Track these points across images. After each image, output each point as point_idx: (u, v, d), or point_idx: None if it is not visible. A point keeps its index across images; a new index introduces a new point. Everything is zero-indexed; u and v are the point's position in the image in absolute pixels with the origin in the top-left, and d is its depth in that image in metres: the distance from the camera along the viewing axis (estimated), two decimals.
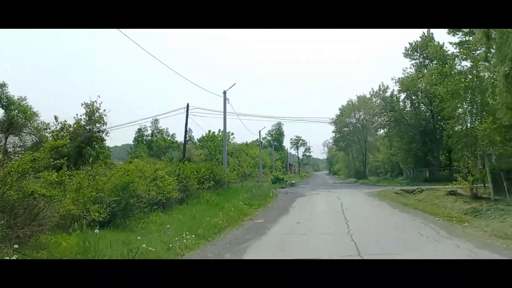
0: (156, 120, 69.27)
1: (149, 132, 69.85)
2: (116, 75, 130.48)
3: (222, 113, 29.34)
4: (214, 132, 51.12)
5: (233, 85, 28.90)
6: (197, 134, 60.52)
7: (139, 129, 69.67)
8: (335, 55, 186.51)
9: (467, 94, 20.68)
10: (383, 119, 48.89)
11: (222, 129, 52.08)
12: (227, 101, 29.00)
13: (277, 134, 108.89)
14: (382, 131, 53.55)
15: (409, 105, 45.76)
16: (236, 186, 31.30)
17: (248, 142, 67.43)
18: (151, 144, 66.88)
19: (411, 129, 44.74)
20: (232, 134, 51.21)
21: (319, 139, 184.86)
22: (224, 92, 28.06)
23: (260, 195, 23.64)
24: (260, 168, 53.28)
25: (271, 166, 71.55)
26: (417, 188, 31.16)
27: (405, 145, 46.28)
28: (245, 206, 17.68)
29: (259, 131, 53.52)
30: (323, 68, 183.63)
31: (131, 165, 13.59)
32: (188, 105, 31.74)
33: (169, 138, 69.50)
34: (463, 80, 21.51)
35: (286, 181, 44.57)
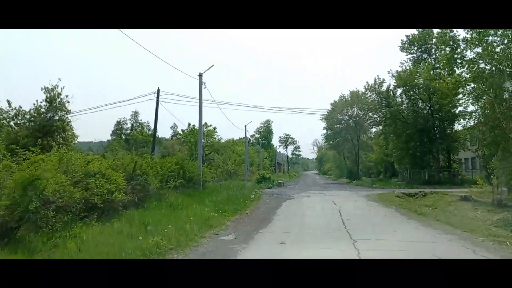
0: (136, 112, 64.93)
1: (129, 125, 65.49)
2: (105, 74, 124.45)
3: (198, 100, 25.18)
4: (194, 126, 46.83)
5: (211, 67, 24.71)
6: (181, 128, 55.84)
7: (118, 122, 65.35)
8: (326, 54, 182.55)
9: (494, 78, 16.78)
10: (378, 115, 45.09)
11: (203, 122, 47.92)
12: (203, 86, 24.88)
13: (266, 131, 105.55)
14: (375, 129, 49.96)
15: (407, 101, 41.86)
16: (215, 186, 27.26)
17: (235, 139, 63.60)
18: (129, 138, 62.54)
19: (409, 127, 41.04)
20: (215, 128, 46.91)
21: (308, 138, 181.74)
22: (200, 75, 23.85)
23: (239, 198, 19.56)
24: (245, 165, 49.28)
25: (258, 165, 67.72)
26: (420, 192, 27.52)
27: (401, 143, 42.60)
28: (213, 213, 13.51)
29: (245, 126, 49.37)
30: (314, 68, 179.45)
31: (41, 155, 9.32)
32: (158, 89, 27.59)
33: (150, 133, 65.10)
34: (486, 62, 17.69)
35: (274, 181, 40.52)
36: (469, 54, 21.16)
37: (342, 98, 53.65)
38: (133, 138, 60.95)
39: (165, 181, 17.30)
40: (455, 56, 23.44)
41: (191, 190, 21.14)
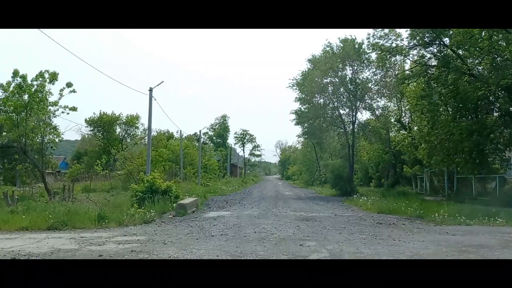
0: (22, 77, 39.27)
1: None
2: None
3: None
4: (24, 76, 21.79)
5: None
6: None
7: None
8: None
9: None
10: (410, 61, 22.49)
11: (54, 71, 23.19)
12: None
13: (221, 128, 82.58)
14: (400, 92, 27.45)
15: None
16: None
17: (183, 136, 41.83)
18: None
19: (479, 85, 18.70)
20: (70, 86, 21.91)
21: (271, 143, 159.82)
22: None
23: None
24: (147, 163, 24.91)
25: (206, 165, 44.33)
26: None
27: (457, 118, 20.27)
28: None
29: (150, 89, 24.76)
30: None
31: None
32: None
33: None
34: None
35: (177, 197, 16.79)
36: None
37: (328, 49, 30.78)
38: None
39: None
40: None
41: None
